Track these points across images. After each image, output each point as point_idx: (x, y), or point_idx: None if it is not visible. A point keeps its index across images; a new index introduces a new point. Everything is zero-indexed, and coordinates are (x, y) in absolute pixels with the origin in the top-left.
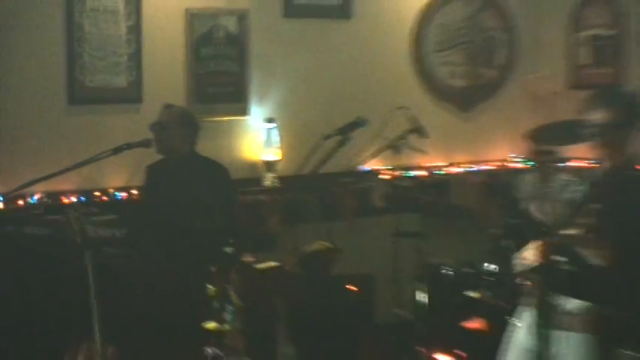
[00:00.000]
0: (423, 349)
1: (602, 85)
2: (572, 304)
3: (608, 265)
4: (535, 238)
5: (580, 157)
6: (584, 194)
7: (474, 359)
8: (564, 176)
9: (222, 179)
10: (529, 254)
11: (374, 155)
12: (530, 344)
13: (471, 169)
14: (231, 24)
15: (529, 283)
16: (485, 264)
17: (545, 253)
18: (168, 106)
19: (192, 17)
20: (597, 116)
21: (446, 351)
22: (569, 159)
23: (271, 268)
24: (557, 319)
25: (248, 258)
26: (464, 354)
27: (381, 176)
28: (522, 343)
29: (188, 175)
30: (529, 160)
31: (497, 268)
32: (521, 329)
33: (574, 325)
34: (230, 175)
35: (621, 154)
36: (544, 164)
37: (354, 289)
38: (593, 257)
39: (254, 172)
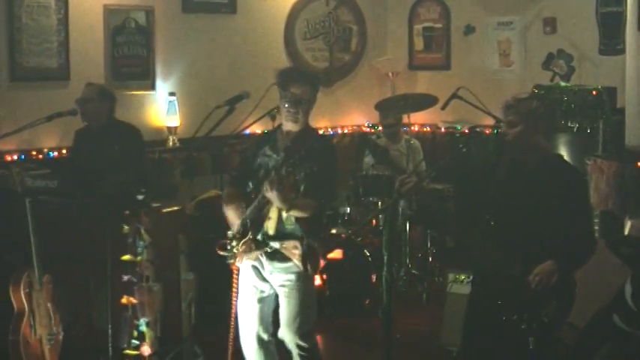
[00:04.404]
0: None
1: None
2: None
3: None
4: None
5: (419, 122)
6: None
7: (334, 281)
8: (406, 137)
9: (136, 138)
10: None
11: (254, 122)
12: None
13: (331, 134)
14: (140, 17)
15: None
16: (341, 207)
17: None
18: (89, 85)
19: (109, 12)
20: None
21: None
22: (409, 124)
23: (174, 211)
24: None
25: (155, 203)
26: (325, 276)
27: None
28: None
29: (108, 137)
30: (379, 126)
31: (350, 210)
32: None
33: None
34: (142, 135)
35: None
36: (389, 129)
37: None
38: None
39: (159, 135)
